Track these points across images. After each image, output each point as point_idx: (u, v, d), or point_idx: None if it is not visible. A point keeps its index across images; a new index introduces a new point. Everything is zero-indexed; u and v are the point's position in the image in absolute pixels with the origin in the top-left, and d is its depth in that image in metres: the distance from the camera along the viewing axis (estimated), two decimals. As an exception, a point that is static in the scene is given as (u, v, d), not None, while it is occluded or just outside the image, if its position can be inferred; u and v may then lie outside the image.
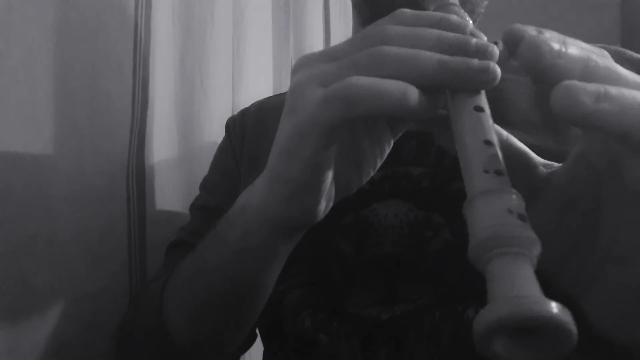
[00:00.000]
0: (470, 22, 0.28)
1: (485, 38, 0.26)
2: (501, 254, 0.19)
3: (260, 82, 0.81)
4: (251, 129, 0.56)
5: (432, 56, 0.24)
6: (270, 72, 0.87)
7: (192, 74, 0.65)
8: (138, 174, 0.56)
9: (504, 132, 0.27)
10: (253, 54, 0.79)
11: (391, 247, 0.44)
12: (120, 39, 0.54)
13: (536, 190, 0.26)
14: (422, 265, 0.43)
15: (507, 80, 0.40)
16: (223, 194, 0.53)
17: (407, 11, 0.27)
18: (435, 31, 0.25)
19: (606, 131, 0.19)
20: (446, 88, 0.25)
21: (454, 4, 0.31)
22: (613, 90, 0.19)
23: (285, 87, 0.89)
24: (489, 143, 0.23)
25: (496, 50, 0.25)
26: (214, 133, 0.67)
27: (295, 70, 0.28)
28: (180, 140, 0.64)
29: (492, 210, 0.20)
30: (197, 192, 0.58)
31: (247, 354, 0.54)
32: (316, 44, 0.98)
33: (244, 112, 0.60)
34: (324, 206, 0.30)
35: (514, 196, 0.21)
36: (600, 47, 0.43)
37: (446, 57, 0.24)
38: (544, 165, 0.27)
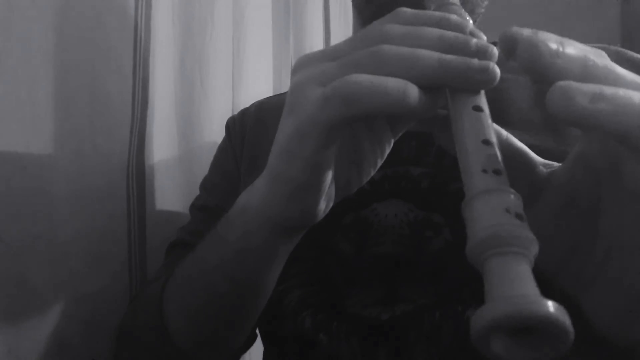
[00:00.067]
0: (471, 21, 0.28)
1: (485, 38, 0.26)
2: (499, 254, 0.19)
3: (260, 82, 0.82)
4: (251, 129, 0.56)
5: (433, 55, 0.24)
6: (270, 72, 0.87)
7: (192, 74, 0.65)
8: (138, 174, 0.56)
9: (504, 132, 0.27)
10: (253, 54, 0.79)
11: (391, 247, 0.44)
12: (120, 39, 0.54)
13: (536, 190, 0.26)
14: (422, 265, 0.43)
15: (507, 80, 0.40)
16: (223, 194, 0.53)
17: (408, 10, 0.27)
18: (436, 30, 0.25)
19: (602, 131, 0.19)
20: (446, 87, 0.25)
21: (454, 4, 0.31)
22: (608, 90, 0.19)
23: (285, 87, 0.89)
24: (487, 143, 0.23)
25: (496, 51, 0.25)
26: (214, 133, 0.67)
27: (295, 70, 0.28)
28: (180, 140, 0.64)
29: (490, 210, 0.20)
30: (197, 192, 0.58)
31: (247, 354, 0.54)
32: (316, 44, 0.98)
33: (244, 112, 0.60)
34: (324, 206, 0.30)
35: (512, 196, 0.21)
36: (601, 47, 0.43)
37: (446, 57, 0.24)
38: (544, 165, 0.27)
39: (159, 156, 0.60)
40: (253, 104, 0.60)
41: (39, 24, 0.45)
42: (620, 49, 0.48)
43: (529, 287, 0.18)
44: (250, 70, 0.78)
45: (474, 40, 0.25)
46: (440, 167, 0.45)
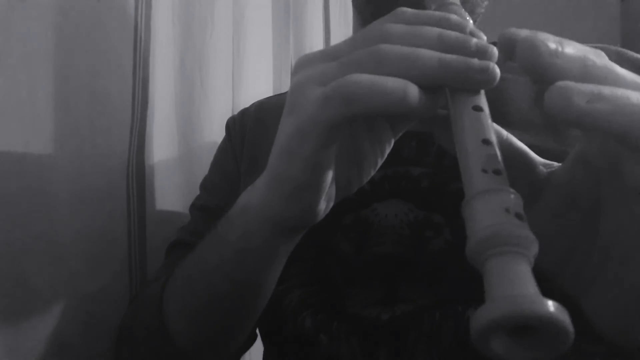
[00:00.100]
0: (471, 21, 0.28)
1: (485, 38, 0.26)
2: (499, 253, 0.19)
3: (260, 82, 0.82)
4: (251, 129, 0.56)
5: (433, 55, 0.24)
6: (270, 72, 0.87)
7: (192, 74, 0.65)
8: (138, 174, 0.56)
9: (504, 132, 0.27)
10: (253, 54, 0.79)
11: (391, 247, 0.44)
12: (120, 39, 0.54)
13: (536, 190, 0.26)
14: (422, 265, 0.43)
15: (507, 80, 0.40)
16: (223, 194, 0.53)
17: (408, 10, 0.27)
18: (436, 30, 0.25)
19: (600, 131, 0.19)
20: (446, 87, 0.25)
21: (454, 4, 0.31)
22: (607, 90, 0.19)
23: (285, 87, 0.89)
24: (487, 143, 0.23)
25: (496, 51, 0.25)
26: (214, 133, 0.67)
27: (295, 70, 0.28)
28: (180, 140, 0.64)
29: (490, 210, 0.20)
30: (197, 192, 0.58)
31: (247, 354, 0.54)
32: (316, 44, 0.98)
33: (244, 112, 0.60)
34: (324, 206, 0.30)
35: (512, 196, 0.21)
36: (601, 47, 0.43)
37: (447, 56, 0.24)
38: (544, 165, 0.27)
39: (159, 156, 0.60)
40: (253, 104, 0.60)
41: (39, 24, 0.45)
42: (620, 49, 0.48)
43: (529, 286, 0.18)
44: (250, 70, 0.78)
45: (474, 40, 0.25)
46: (440, 167, 0.45)
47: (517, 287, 0.18)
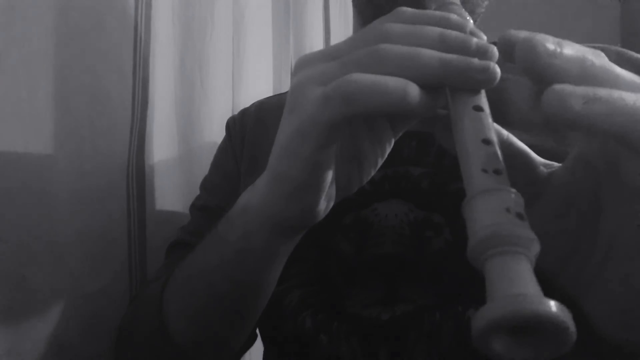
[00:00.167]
0: (471, 21, 0.28)
1: (485, 38, 0.26)
2: (499, 253, 0.19)
3: (260, 82, 0.82)
4: (251, 129, 0.56)
5: (433, 54, 0.24)
6: (270, 72, 0.87)
7: (192, 74, 0.65)
8: (138, 174, 0.56)
9: (504, 132, 0.27)
10: (253, 54, 0.79)
11: (391, 247, 0.44)
12: (120, 39, 0.54)
13: (536, 190, 0.26)
14: (422, 266, 0.43)
15: (507, 80, 0.40)
16: (223, 194, 0.53)
17: (408, 10, 0.27)
18: (437, 29, 0.25)
19: (597, 133, 0.19)
20: (447, 87, 0.25)
21: (454, 4, 0.31)
22: (603, 92, 0.19)
23: (285, 87, 0.89)
24: (488, 142, 0.23)
25: (496, 51, 0.25)
26: (214, 133, 0.67)
27: (295, 70, 0.28)
28: (180, 140, 0.64)
29: (490, 210, 0.20)
30: (197, 192, 0.58)
31: (247, 354, 0.54)
32: (316, 44, 0.98)
33: (244, 112, 0.60)
34: (324, 206, 0.30)
35: (513, 195, 0.21)
36: (601, 47, 0.43)
37: (447, 56, 0.24)
38: (544, 165, 0.27)
39: (159, 156, 0.60)
40: (253, 104, 0.60)
41: (39, 24, 0.45)
42: (620, 49, 0.48)
43: (530, 286, 0.18)
44: (250, 70, 0.78)
45: (475, 40, 0.25)
46: (441, 167, 0.45)
47: (518, 286, 0.18)
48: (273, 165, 0.29)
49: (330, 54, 0.27)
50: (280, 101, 0.31)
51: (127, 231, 0.55)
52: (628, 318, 0.24)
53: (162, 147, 0.60)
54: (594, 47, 0.22)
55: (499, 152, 0.23)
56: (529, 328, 0.18)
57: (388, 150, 0.32)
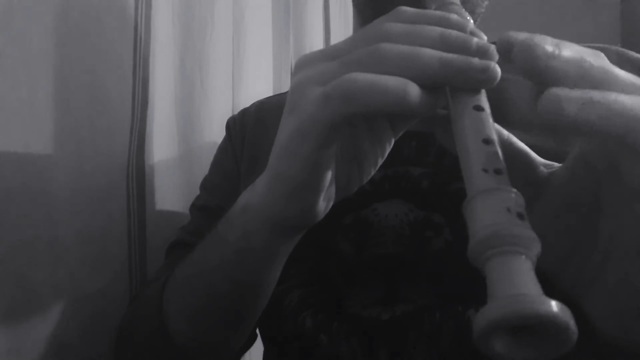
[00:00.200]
0: (471, 21, 0.28)
1: (485, 37, 0.26)
2: (500, 253, 0.19)
3: (260, 82, 0.81)
4: (251, 128, 0.56)
5: (434, 54, 0.24)
6: (270, 72, 0.87)
7: (192, 74, 0.65)
8: (138, 174, 0.56)
9: (505, 132, 0.27)
10: (253, 54, 0.79)
11: (391, 247, 0.44)
12: (120, 39, 0.54)
13: (536, 190, 0.26)
14: (422, 266, 0.43)
15: (508, 80, 0.40)
16: (223, 194, 0.53)
17: (408, 9, 0.27)
18: (437, 29, 0.25)
19: (595, 135, 0.20)
20: (447, 86, 0.25)
21: (454, 4, 0.31)
22: (599, 95, 0.19)
23: (285, 87, 0.89)
24: (488, 142, 0.23)
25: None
26: (214, 133, 0.67)
27: (296, 70, 0.28)
28: (180, 140, 0.64)
29: (491, 209, 0.20)
30: (197, 192, 0.58)
31: (247, 354, 0.54)
32: (316, 44, 0.98)
33: (244, 112, 0.60)
34: (323, 206, 0.30)
35: (513, 195, 0.21)
36: (601, 47, 0.43)
37: (447, 55, 0.24)
38: (545, 165, 0.27)
39: (159, 156, 0.60)
40: (253, 103, 0.60)
41: (39, 24, 0.45)
42: (620, 49, 0.48)
43: (531, 286, 0.18)
44: (250, 70, 0.78)
45: (475, 39, 0.25)
46: (441, 167, 0.45)
47: (519, 286, 0.18)
48: (273, 165, 0.29)
49: (331, 54, 0.27)
50: (281, 101, 0.31)
51: (127, 231, 0.55)
52: (628, 318, 0.24)
53: (162, 147, 0.60)
54: (594, 47, 0.22)
55: (499, 152, 0.23)
56: (530, 328, 0.18)
57: (388, 150, 0.32)
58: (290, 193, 0.28)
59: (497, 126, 0.25)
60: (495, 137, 0.23)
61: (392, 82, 0.23)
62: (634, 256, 0.23)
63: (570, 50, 0.21)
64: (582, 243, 0.25)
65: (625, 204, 0.22)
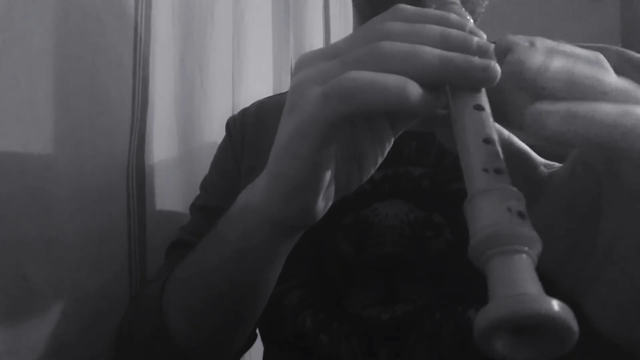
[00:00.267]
0: (471, 20, 0.28)
1: (485, 36, 0.26)
2: (501, 252, 0.19)
3: (260, 82, 0.82)
4: (251, 128, 0.56)
5: (434, 52, 0.24)
6: (270, 72, 0.87)
7: (192, 74, 0.65)
8: (138, 174, 0.56)
9: (505, 132, 0.27)
10: (253, 54, 0.79)
11: (391, 247, 0.44)
12: (120, 39, 0.54)
13: (537, 190, 0.26)
14: (422, 266, 0.43)
15: (508, 81, 0.40)
16: (223, 194, 0.53)
17: (407, 7, 0.27)
18: (437, 28, 0.25)
19: (581, 147, 0.20)
20: (447, 85, 0.25)
21: (454, 3, 0.31)
22: (583, 107, 0.19)
23: (285, 87, 0.89)
24: (489, 142, 0.23)
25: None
26: (214, 133, 0.67)
27: (296, 70, 0.28)
28: (180, 140, 0.64)
29: (492, 209, 0.20)
30: (197, 192, 0.58)
31: (247, 354, 0.54)
32: (316, 44, 0.98)
33: (244, 112, 0.60)
34: (323, 205, 0.30)
35: (514, 194, 0.21)
36: (601, 47, 0.43)
37: (448, 54, 0.24)
38: (545, 165, 0.27)
39: (159, 156, 0.59)
40: (253, 103, 0.60)
41: (39, 24, 0.45)
42: (620, 49, 0.48)
43: (532, 285, 0.18)
44: (250, 70, 0.78)
45: (476, 38, 0.25)
46: (441, 167, 0.45)
47: (520, 286, 0.18)
48: (272, 164, 0.29)
49: (331, 53, 0.27)
50: (281, 101, 0.31)
51: (127, 231, 0.55)
52: (628, 318, 0.24)
53: (162, 147, 0.60)
54: (594, 47, 0.22)
55: (500, 152, 0.23)
56: (531, 328, 0.18)
57: (388, 149, 0.32)
58: (290, 193, 0.28)
59: (497, 126, 0.25)
60: (495, 137, 0.23)
61: (392, 80, 0.23)
62: (634, 256, 0.23)
63: (561, 59, 0.21)
64: (582, 243, 0.25)
65: (625, 204, 0.22)
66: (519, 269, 0.18)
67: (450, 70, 0.24)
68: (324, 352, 0.44)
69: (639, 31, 1.48)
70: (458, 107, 0.24)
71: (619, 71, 0.22)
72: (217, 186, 0.56)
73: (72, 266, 0.48)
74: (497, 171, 0.22)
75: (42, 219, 0.45)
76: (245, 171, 0.54)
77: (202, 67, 0.66)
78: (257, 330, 0.52)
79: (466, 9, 0.31)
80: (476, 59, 0.24)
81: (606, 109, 0.19)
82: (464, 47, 0.24)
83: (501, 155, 0.23)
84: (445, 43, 0.24)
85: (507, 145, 0.26)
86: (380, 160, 0.33)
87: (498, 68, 0.24)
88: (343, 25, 1.08)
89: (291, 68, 0.91)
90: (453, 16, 0.26)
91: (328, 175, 0.28)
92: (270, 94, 0.78)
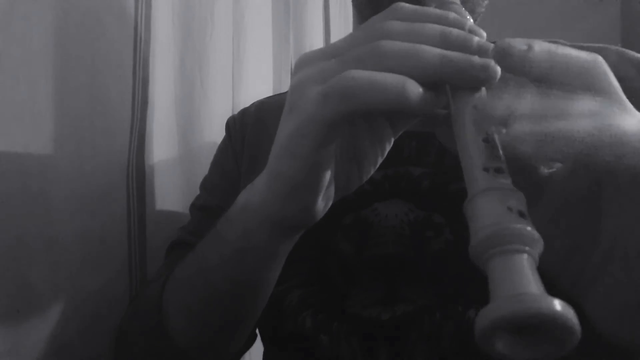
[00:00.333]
0: (471, 20, 0.28)
1: (484, 34, 0.26)
2: (502, 252, 0.19)
3: (260, 82, 0.81)
4: (251, 128, 0.56)
5: (435, 51, 0.24)
6: (270, 72, 0.87)
7: (192, 74, 0.65)
8: (138, 174, 0.56)
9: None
10: (253, 54, 0.79)
11: (391, 247, 0.44)
12: (120, 39, 0.54)
13: (538, 190, 0.26)
14: (422, 266, 0.43)
15: (508, 80, 0.40)
16: (223, 194, 0.53)
17: (405, 5, 0.27)
18: (437, 27, 0.25)
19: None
20: (447, 84, 0.25)
21: (454, 3, 0.31)
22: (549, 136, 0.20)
23: (285, 87, 0.89)
24: (489, 141, 0.23)
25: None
26: (214, 133, 0.67)
27: (296, 69, 0.28)
28: (180, 140, 0.64)
29: (492, 209, 0.20)
30: (197, 192, 0.58)
31: (247, 354, 0.54)
32: (316, 44, 0.98)
33: (244, 112, 0.60)
34: (322, 205, 0.30)
35: (515, 194, 0.21)
36: (601, 47, 0.43)
37: (449, 53, 0.24)
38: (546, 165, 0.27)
39: (159, 156, 0.59)
40: (253, 103, 0.60)
41: (39, 24, 0.45)
42: (620, 49, 0.48)
43: (534, 285, 0.18)
44: (250, 70, 0.78)
45: (476, 38, 0.25)
46: (441, 167, 0.45)
47: (521, 285, 0.18)
48: (272, 164, 0.29)
49: (331, 52, 0.27)
50: (281, 101, 0.31)
51: (127, 231, 0.55)
52: (629, 318, 0.24)
53: (162, 147, 0.60)
54: (594, 47, 0.23)
55: (500, 151, 0.23)
56: (533, 327, 0.18)
57: (388, 148, 0.32)
58: (289, 192, 0.28)
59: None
60: (496, 136, 0.23)
61: (391, 79, 0.23)
62: (634, 256, 0.23)
63: (543, 45, 0.23)
64: (582, 243, 0.25)
65: (625, 204, 0.22)
66: (519, 269, 0.18)
67: (451, 69, 0.24)
68: (324, 352, 0.44)
69: (639, 31, 1.48)
70: (458, 107, 0.24)
71: (619, 71, 0.22)
72: (217, 186, 0.56)
73: (72, 266, 0.48)
74: (498, 171, 0.22)
75: (42, 219, 0.45)
76: (245, 171, 0.54)
77: (202, 67, 0.66)
78: (257, 330, 0.52)
79: (466, 9, 0.31)
80: (476, 58, 0.24)
81: (580, 127, 0.19)
82: (464, 47, 0.24)
83: (501, 155, 0.23)
84: (445, 42, 0.24)
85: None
86: (380, 160, 0.32)
87: (498, 67, 0.24)
88: (343, 25, 1.08)
89: (291, 68, 0.91)
90: (453, 14, 0.26)
91: (328, 175, 0.28)
92: (270, 94, 0.78)
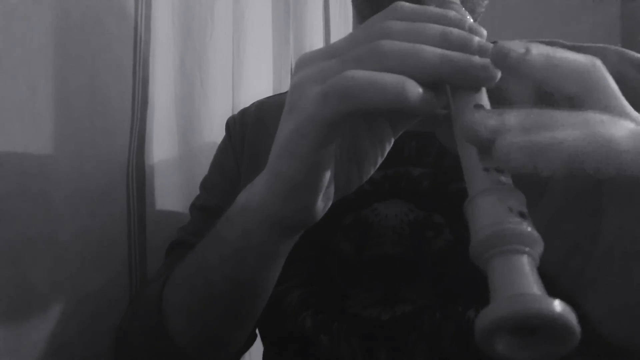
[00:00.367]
0: (470, 19, 0.28)
1: (485, 32, 0.26)
2: (502, 252, 0.19)
3: (260, 82, 0.81)
4: (251, 128, 0.56)
5: (435, 51, 0.24)
6: (270, 72, 0.87)
7: (192, 74, 0.65)
8: (138, 174, 0.56)
9: None
10: (253, 54, 0.79)
11: (391, 247, 0.44)
12: (120, 39, 0.54)
13: (538, 189, 0.26)
14: (422, 266, 0.43)
15: (508, 80, 0.40)
16: (223, 194, 0.53)
17: (405, 5, 0.27)
18: (438, 27, 0.25)
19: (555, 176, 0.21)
20: (447, 84, 0.25)
21: (454, 2, 0.31)
22: (542, 140, 0.20)
23: (285, 87, 0.89)
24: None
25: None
26: (214, 133, 0.67)
27: (296, 69, 0.28)
28: (180, 140, 0.64)
29: (493, 209, 0.20)
30: (197, 192, 0.58)
31: (247, 354, 0.54)
32: (316, 44, 0.98)
33: (244, 112, 0.60)
34: (322, 205, 0.30)
35: (515, 194, 0.21)
36: (601, 47, 0.43)
37: (449, 53, 0.24)
38: None
39: (159, 156, 0.59)
40: (253, 103, 0.60)
41: (39, 24, 0.45)
42: (620, 49, 0.48)
43: (534, 285, 0.18)
44: (250, 70, 0.78)
45: (476, 38, 0.25)
46: (441, 167, 0.45)
47: (522, 286, 0.18)
48: (272, 164, 0.29)
49: (331, 52, 0.27)
50: (281, 101, 0.31)
51: (127, 231, 0.55)
52: (629, 319, 0.24)
53: (162, 147, 0.60)
54: (594, 47, 0.23)
55: None
56: (533, 328, 0.18)
57: (388, 148, 0.32)
58: (289, 192, 0.28)
59: None
60: None
61: (391, 79, 0.23)
62: (634, 256, 0.23)
63: (541, 48, 0.22)
64: (582, 243, 0.25)
65: (625, 204, 0.22)
66: (520, 269, 0.18)
67: (451, 69, 0.24)
68: (324, 352, 0.44)
69: (639, 31, 1.48)
70: (458, 107, 0.24)
71: (619, 71, 0.22)
72: (217, 186, 0.56)
73: (72, 266, 0.48)
74: (498, 170, 0.22)
75: (42, 219, 0.45)
76: (245, 171, 0.54)
77: (202, 67, 0.66)
78: (257, 330, 0.52)
79: (466, 9, 0.31)
80: (476, 58, 0.24)
81: (567, 136, 0.19)
82: (464, 46, 0.24)
83: None
84: (445, 42, 0.24)
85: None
86: (380, 160, 0.32)
87: None
88: (343, 25, 1.08)
89: (291, 68, 0.91)
90: (452, 14, 0.26)
91: (327, 175, 0.28)
92: (270, 94, 0.78)
